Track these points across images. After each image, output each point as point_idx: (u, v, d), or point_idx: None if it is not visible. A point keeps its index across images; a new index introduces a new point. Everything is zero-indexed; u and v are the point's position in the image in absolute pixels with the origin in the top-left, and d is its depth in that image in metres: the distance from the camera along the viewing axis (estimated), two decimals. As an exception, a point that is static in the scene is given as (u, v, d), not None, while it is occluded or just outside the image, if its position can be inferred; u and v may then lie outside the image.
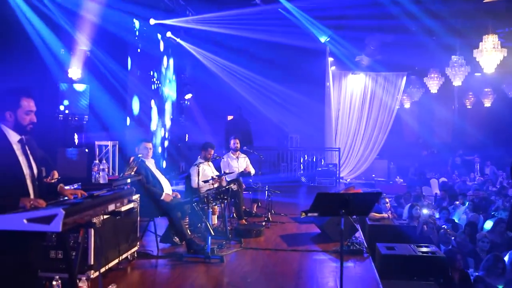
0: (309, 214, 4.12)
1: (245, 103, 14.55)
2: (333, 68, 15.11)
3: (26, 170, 3.01)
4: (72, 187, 4.85)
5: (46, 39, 8.15)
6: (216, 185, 6.96)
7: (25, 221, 2.57)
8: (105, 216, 3.80)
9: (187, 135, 14.58)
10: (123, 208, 3.46)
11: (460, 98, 18.50)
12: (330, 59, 14.60)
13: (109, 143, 8.55)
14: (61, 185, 3.42)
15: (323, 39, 12.81)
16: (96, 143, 8.50)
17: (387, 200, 9.30)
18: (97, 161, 5.13)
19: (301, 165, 14.95)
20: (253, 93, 14.49)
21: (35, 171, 3.10)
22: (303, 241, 7.02)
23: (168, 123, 13.16)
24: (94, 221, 2.92)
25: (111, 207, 3.20)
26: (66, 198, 3.19)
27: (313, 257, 6.20)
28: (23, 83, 7.71)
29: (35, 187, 3.07)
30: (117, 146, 8.64)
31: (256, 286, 5.04)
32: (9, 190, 2.85)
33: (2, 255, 2.83)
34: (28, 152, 3.09)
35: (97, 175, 4.92)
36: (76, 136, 8.50)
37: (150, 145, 6.58)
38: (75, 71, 8.24)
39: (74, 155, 8.37)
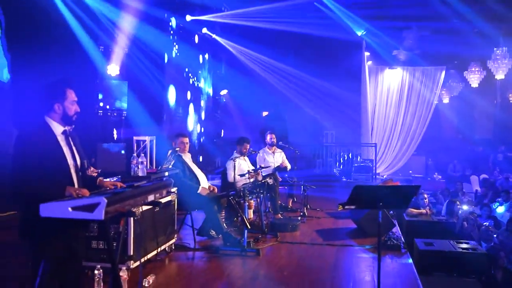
0: (346, 207, 4.08)
1: (280, 99, 14.56)
2: (370, 63, 14.93)
3: (70, 161, 3.12)
4: (112, 180, 4.99)
5: (86, 36, 8.38)
6: (252, 180, 7.00)
7: (70, 209, 2.66)
8: (145, 208, 3.87)
9: (222, 130, 14.71)
10: (162, 200, 3.52)
11: (503, 92, 17.90)
12: (367, 54, 14.42)
13: (147, 138, 8.75)
14: (101, 178, 3.52)
15: (359, 32, 12.67)
16: (134, 138, 8.72)
17: (425, 195, 9.11)
18: (135, 155, 5.22)
19: (337, 161, 14.84)
20: (288, 88, 14.49)
21: (78, 162, 3.20)
22: (339, 235, 6.98)
23: (204, 118, 13.30)
24: (134, 211, 2.98)
25: (151, 197, 3.27)
26: (107, 189, 3.27)
27: (350, 252, 6.16)
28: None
29: (78, 177, 3.17)
30: (154, 141, 8.83)
31: (292, 279, 5.04)
32: (56, 180, 2.96)
33: (51, 241, 2.95)
34: (72, 143, 3.19)
35: (136, 168, 5.02)
36: (115, 132, 8.70)
37: (186, 139, 6.67)
38: (114, 67, 8.43)
39: (113, 149, 8.58)
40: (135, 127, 8.83)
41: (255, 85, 14.37)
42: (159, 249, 5.39)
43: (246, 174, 6.95)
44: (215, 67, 14.32)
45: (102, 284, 4.54)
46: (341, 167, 14.54)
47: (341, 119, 14.80)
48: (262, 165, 7.96)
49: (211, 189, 6.58)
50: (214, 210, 6.29)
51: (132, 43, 8.92)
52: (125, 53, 8.87)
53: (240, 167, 7.37)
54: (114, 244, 4.44)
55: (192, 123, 12.20)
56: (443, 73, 15.24)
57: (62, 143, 3.11)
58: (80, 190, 2.96)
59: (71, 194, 2.89)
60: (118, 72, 8.52)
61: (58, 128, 3.13)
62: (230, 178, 7.27)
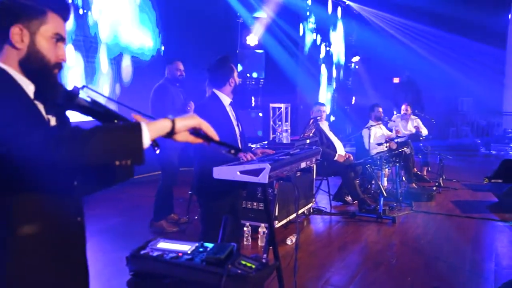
0: (493, 180, 4.03)
1: (413, 64, 14.00)
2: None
3: (236, 129, 3.54)
4: (258, 145, 5.42)
5: (226, 7, 8.90)
6: (387, 148, 7.04)
7: (238, 172, 3.05)
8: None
9: (354, 98, 14.65)
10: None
11: None
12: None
13: (282, 106, 9.14)
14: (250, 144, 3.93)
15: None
16: (271, 105, 9.16)
17: None
18: (279, 123, 5.58)
19: (473, 130, 14.02)
20: (422, 51, 13.83)
21: (240, 129, 3.62)
22: (479, 208, 6.77)
23: (335, 86, 13.38)
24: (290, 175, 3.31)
25: (303, 165, 3.58)
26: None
27: (491, 226, 6.00)
28: (208, 50, 8.61)
29: (241, 143, 3.59)
30: (289, 108, 9.19)
31: (430, 248, 5.09)
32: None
33: (219, 199, 3.41)
34: (234, 112, 3.61)
35: (280, 136, 5.38)
36: (253, 99, 9.20)
37: (324, 108, 6.89)
38: (252, 38, 8.86)
39: (251, 116, 9.12)
40: (271, 95, 9.25)
41: (387, 50, 13.98)
42: (299, 212, 5.77)
43: (382, 142, 7.01)
44: (348, 33, 14.19)
45: (250, 240, 5.07)
46: (478, 137, 13.72)
47: (480, 85, 13.83)
48: (399, 134, 7.91)
49: (347, 156, 6.77)
50: (350, 176, 6.50)
51: (271, 12, 9.25)
52: (263, 24, 9.24)
53: (375, 135, 7.44)
54: (261, 205, 4.95)
55: (324, 91, 12.37)
56: None
57: (230, 113, 3.53)
58: (247, 153, 3.37)
59: (241, 157, 3.31)
60: (256, 42, 8.94)
61: (226, 100, 3.55)
62: (366, 146, 7.38)
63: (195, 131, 1.58)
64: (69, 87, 1.62)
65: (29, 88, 1.54)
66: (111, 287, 2.96)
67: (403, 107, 8.67)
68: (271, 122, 9.12)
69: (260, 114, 9.32)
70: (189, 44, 8.88)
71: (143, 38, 8.69)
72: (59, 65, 1.60)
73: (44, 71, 1.56)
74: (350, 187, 6.54)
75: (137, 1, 8.51)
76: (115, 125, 1.46)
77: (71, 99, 1.58)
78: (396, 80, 15.07)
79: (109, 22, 7.85)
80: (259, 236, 5.02)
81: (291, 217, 5.58)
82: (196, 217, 5.60)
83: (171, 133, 1.50)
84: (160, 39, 9.08)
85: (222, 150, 1.67)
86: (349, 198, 6.83)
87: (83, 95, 1.62)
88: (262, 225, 4.99)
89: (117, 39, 8.07)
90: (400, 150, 6.79)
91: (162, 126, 1.48)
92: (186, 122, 1.53)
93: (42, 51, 1.55)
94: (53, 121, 1.61)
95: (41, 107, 1.56)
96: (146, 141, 1.42)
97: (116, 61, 8.12)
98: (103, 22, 7.70)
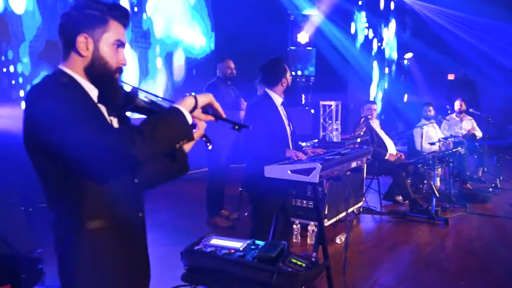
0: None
1: (469, 60, 13.51)
2: None
3: (287, 128, 3.59)
4: (308, 144, 5.44)
5: (277, 5, 8.93)
6: (439, 147, 6.88)
7: (289, 171, 3.10)
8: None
9: (406, 95, 14.31)
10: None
11: None
12: None
13: (333, 103, 9.08)
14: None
15: None
16: (321, 102, 9.12)
17: None
18: (330, 121, 5.57)
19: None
20: (479, 48, 13.29)
21: (291, 128, 3.66)
22: (540, 212, 6.50)
23: (387, 83, 13.14)
24: (341, 175, 3.32)
25: (353, 164, 3.58)
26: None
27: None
28: (259, 47, 8.67)
29: (292, 141, 3.63)
30: (340, 106, 9.12)
31: (485, 252, 4.94)
32: (279, 145, 3.45)
33: (269, 197, 3.47)
34: (285, 112, 3.66)
35: (331, 134, 5.37)
36: (303, 96, 9.20)
37: (375, 106, 6.81)
38: (303, 35, 8.85)
39: (301, 113, 9.12)
40: (321, 92, 9.21)
41: (441, 46, 13.55)
42: (348, 210, 5.75)
43: (436, 142, 6.85)
44: (400, 29, 13.87)
45: (299, 238, 5.10)
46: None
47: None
48: (452, 133, 7.71)
49: (399, 155, 6.66)
50: (401, 176, 6.39)
51: (321, 10, 9.21)
52: (314, 21, 9.20)
53: (428, 134, 7.28)
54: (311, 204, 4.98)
55: (375, 88, 12.18)
56: None
57: (281, 113, 3.58)
58: (297, 152, 3.41)
59: (291, 156, 3.35)
60: (307, 40, 8.93)
61: (278, 100, 3.60)
62: (418, 145, 7.23)
63: (205, 109, 1.71)
64: (126, 87, 1.73)
65: (93, 93, 1.66)
66: (165, 280, 3.07)
67: (457, 102, 8.40)
68: (321, 120, 9.09)
69: (312, 111, 9.30)
70: (240, 42, 8.97)
71: (196, 36, 8.87)
72: (119, 69, 1.71)
73: (107, 76, 1.67)
74: (401, 186, 6.43)
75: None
76: (161, 115, 1.60)
77: (130, 100, 1.68)
78: (451, 76, 14.61)
79: (163, 20, 8.06)
80: (309, 234, 5.05)
81: (341, 215, 5.55)
82: (246, 214, 5.68)
83: (194, 107, 1.65)
84: (212, 36, 9.24)
85: (230, 127, 1.75)
86: (400, 198, 6.72)
87: (141, 95, 1.71)
88: (312, 223, 5.01)
89: (170, 37, 8.28)
90: (453, 150, 6.61)
91: (190, 102, 1.65)
92: (205, 98, 1.69)
93: (105, 57, 1.65)
94: (114, 122, 1.72)
95: (103, 109, 1.67)
96: (188, 118, 1.62)
97: (169, 59, 8.33)
98: (156, 20, 7.92)
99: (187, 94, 1.67)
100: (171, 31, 8.28)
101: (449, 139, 6.86)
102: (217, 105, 1.72)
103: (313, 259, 2.32)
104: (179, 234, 5.14)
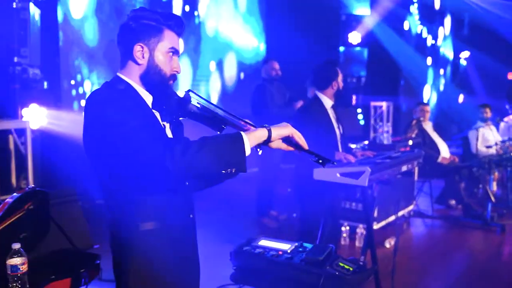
0: None
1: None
2: None
3: (337, 131, 3.59)
4: (358, 146, 5.39)
5: (329, 4, 8.87)
6: (496, 150, 6.62)
7: (338, 174, 3.09)
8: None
9: (462, 95, 13.81)
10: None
11: None
12: None
13: (384, 104, 8.93)
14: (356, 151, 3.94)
15: None
16: (372, 103, 8.99)
17: None
18: (381, 123, 5.50)
19: None
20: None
21: (341, 131, 3.65)
22: None
23: (442, 83, 12.77)
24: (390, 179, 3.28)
25: (404, 168, 3.52)
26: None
27: None
28: (310, 47, 8.66)
29: (341, 144, 3.62)
30: (391, 107, 8.96)
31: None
32: (328, 148, 3.45)
33: (319, 199, 3.48)
34: (337, 116, 3.65)
35: (381, 136, 5.30)
36: (353, 97, 9.08)
37: (428, 108, 6.66)
38: (355, 35, 8.75)
39: (351, 114, 9.01)
40: (372, 93, 9.07)
41: (501, 43, 12.96)
42: (398, 214, 5.65)
43: (493, 145, 6.60)
44: (457, 28, 13.40)
45: (348, 240, 5.07)
46: None
47: None
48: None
49: (452, 158, 6.48)
50: (454, 179, 6.22)
51: (374, 10, 9.07)
52: (366, 21, 9.07)
53: (484, 137, 7.03)
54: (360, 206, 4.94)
55: (429, 90, 11.86)
56: None
57: (331, 116, 3.58)
58: (346, 155, 3.40)
59: (340, 158, 3.35)
60: (359, 40, 8.82)
61: (328, 102, 3.60)
62: (473, 148, 7.01)
63: (288, 140, 1.71)
64: (180, 92, 1.79)
65: (148, 99, 1.74)
66: (214, 279, 3.15)
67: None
68: (372, 121, 8.97)
69: (359, 111, 9.18)
70: (291, 42, 8.99)
71: (247, 37, 8.97)
72: (173, 77, 1.78)
73: (162, 83, 1.74)
74: (454, 190, 6.26)
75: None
76: (220, 137, 1.58)
77: (183, 106, 1.74)
78: (511, 76, 13.99)
79: (215, 21, 8.19)
80: (357, 236, 5.01)
81: (390, 219, 5.48)
82: (294, 215, 5.70)
83: (267, 141, 1.64)
84: (263, 38, 9.32)
85: (311, 159, 1.74)
86: (453, 202, 6.53)
87: (194, 101, 1.77)
88: (360, 225, 4.97)
89: (222, 38, 8.41)
90: (512, 154, 6.36)
91: (260, 135, 1.63)
92: (281, 131, 1.67)
93: (160, 65, 1.73)
94: (167, 127, 1.79)
95: (157, 115, 1.74)
96: (248, 151, 1.58)
97: (221, 61, 8.46)
98: (209, 22, 8.05)
99: (263, 126, 1.65)
100: (223, 34, 8.40)
101: (507, 142, 6.59)
102: (298, 136, 1.70)
103: (360, 263, 2.32)
104: (227, 233, 5.22)
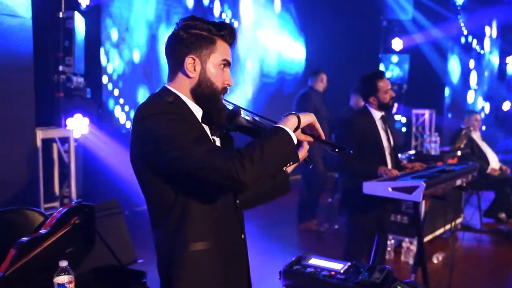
0: None
1: None
2: None
3: (385, 143, 3.43)
4: (405, 156, 5.19)
5: (370, 10, 8.70)
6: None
7: (390, 189, 2.95)
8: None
9: (508, 103, 13.23)
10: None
11: None
12: None
13: (426, 112, 8.66)
14: (404, 162, 3.77)
15: None
16: (413, 111, 8.74)
17: None
18: (428, 133, 5.30)
19: None
20: None
21: (392, 143, 3.49)
22: None
23: (486, 90, 12.32)
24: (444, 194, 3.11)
25: (458, 182, 3.34)
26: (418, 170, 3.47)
27: None
28: (350, 54, 8.51)
29: (392, 158, 3.46)
30: (434, 114, 8.68)
31: None
32: (372, 160, 3.32)
33: (366, 213, 3.33)
34: (387, 127, 3.50)
35: (429, 147, 5.10)
36: (395, 105, 8.83)
37: (478, 116, 6.39)
38: (397, 42, 8.54)
39: (392, 122, 8.77)
40: (414, 100, 8.81)
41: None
42: (446, 227, 5.41)
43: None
44: (504, 30, 12.85)
45: (393, 254, 4.88)
46: None
47: None
48: None
49: (503, 169, 6.18)
50: (505, 191, 5.94)
51: (417, 14, 8.81)
52: (409, 26, 8.82)
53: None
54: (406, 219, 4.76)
55: (473, 96, 11.45)
56: None
57: (380, 127, 3.43)
58: (389, 170, 3.24)
59: (382, 173, 3.20)
60: (401, 47, 8.57)
61: (376, 114, 3.46)
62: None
63: (304, 130, 1.63)
64: (229, 105, 1.69)
65: (198, 113, 1.64)
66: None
67: None
68: (414, 129, 8.71)
69: (403, 119, 8.93)
70: (330, 49, 8.87)
71: (286, 46, 8.90)
72: (225, 90, 1.67)
73: (213, 97, 1.63)
74: (504, 203, 5.98)
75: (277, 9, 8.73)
76: (268, 137, 1.51)
77: (233, 119, 1.65)
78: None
79: (251, 31, 8.14)
80: (403, 251, 4.82)
81: (438, 232, 5.26)
82: (336, 227, 5.54)
83: (297, 128, 1.57)
84: (304, 46, 9.23)
85: (328, 149, 1.66)
86: (503, 216, 6.22)
87: (243, 114, 1.67)
88: (406, 239, 4.78)
89: (260, 47, 8.35)
90: None
91: (293, 122, 1.56)
92: (307, 118, 1.60)
93: (212, 79, 1.62)
94: (217, 142, 1.69)
95: (207, 129, 1.65)
96: (294, 139, 1.54)
97: (259, 69, 8.40)
98: (246, 31, 8.01)
99: (290, 114, 1.59)
100: (261, 41, 8.35)
101: None
102: (317, 126, 1.63)
103: (419, 287, 2.17)
104: (268, 244, 5.11)
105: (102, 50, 5.66)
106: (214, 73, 1.62)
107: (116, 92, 6.06)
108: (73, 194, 4.45)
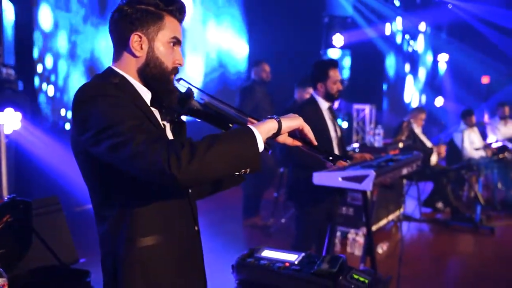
0: None
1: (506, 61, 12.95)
2: None
3: (333, 134, 3.42)
4: (350, 149, 5.24)
5: (311, 6, 8.79)
6: (485, 154, 6.60)
7: (339, 179, 2.93)
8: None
9: (441, 98, 13.84)
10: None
11: None
12: None
13: (366, 107, 8.86)
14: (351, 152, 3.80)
15: None
16: (354, 106, 8.91)
17: None
18: (372, 126, 5.39)
19: None
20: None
21: (339, 134, 3.49)
22: None
23: (421, 87, 12.82)
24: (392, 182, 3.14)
25: (404, 171, 3.39)
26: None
27: None
28: (291, 49, 8.54)
29: (339, 149, 3.45)
30: (374, 110, 8.89)
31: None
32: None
33: (317, 205, 3.31)
34: (334, 117, 3.49)
35: (372, 139, 5.18)
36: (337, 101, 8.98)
37: (423, 116, 6.67)
38: (338, 38, 8.67)
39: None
40: (355, 96, 8.99)
41: (478, 48, 13.06)
42: (388, 218, 5.54)
43: (480, 148, 6.58)
44: (436, 31, 13.45)
45: (339, 245, 4.92)
46: None
47: None
48: (498, 138, 7.41)
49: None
50: (442, 182, 6.16)
51: (356, 11, 9.00)
52: (349, 23, 8.99)
53: (470, 139, 7.01)
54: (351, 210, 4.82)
55: (409, 92, 11.88)
56: None
57: (327, 117, 3.41)
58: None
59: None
60: (342, 43, 8.72)
61: (323, 104, 3.43)
62: (466, 151, 6.97)
63: (294, 134, 1.49)
64: (181, 87, 1.57)
65: (146, 96, 1.51)
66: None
67: (506, 108, 7.95)
68: (355, 124, 8.89)
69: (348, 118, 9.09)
70: (272, 44, 8.86)
71: (229, 42, 8.81)
72: (176, 70, 1.53)
73: (162, 78, 1.50)
74: (442, 193, 6.20)
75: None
76: (228, 135, 1.36)
77: (184, 102, 1.53)
78: (485, 79, 14.15)
79: (194, 26, 7.99)
80: (348, 242, 4.86)
81: (381, 223, 5.36)
82: (282, 221, 5.52)
83: (276, 134, 1.42)
84: (247, 42, 9.17)
85: (320, 157, 1.52)
86: (440, 205, 6.47)
87: (197, 97, 1.56)
88: (352, 230, 4.83)
89: (202, 43, 8.22)
90: (498, 156, 6.33)
91: (270, 127, 1.40)
92: (291, 123, 1.44)
93: (161, 58, 1.49)
94: (168, 127, 1.57)
95: (156, 113, 1.53)
96: (261, 146, 1.36)
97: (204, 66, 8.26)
98: (188, 26, 7.84)
99: (272, 117, 1.43)
100: (203, 36, 8.22)
101: (493, 144, 6.57)
102: (307, 130, 1.47)
103: (376, 275, 2.16)
104: (214, 242, 5.00)
105: (35, 39, 5.27)
106: (163, 52, 1.49)
107: (51, 85, 5.71)
108: (4, 192, 4.13)
